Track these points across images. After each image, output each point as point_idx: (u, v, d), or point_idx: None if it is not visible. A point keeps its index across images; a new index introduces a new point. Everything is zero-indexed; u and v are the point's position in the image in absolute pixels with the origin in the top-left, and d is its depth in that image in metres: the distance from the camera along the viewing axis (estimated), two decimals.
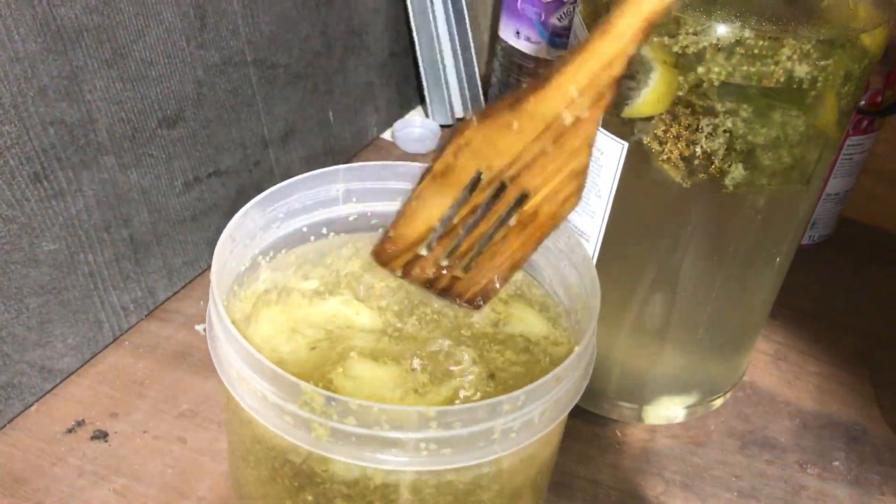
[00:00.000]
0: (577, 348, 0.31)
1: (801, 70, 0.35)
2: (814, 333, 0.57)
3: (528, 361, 0.35)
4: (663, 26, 0.36)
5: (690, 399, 0.48)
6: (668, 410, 0.48)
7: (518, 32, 0.68)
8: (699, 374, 0.48)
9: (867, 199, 0.70)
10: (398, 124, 0.73)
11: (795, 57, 0.35)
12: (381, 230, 0.39)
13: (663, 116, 0.38)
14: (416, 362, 0.34)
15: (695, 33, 0.35)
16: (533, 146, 0.30)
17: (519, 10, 0.67)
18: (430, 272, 0.33)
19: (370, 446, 0.29)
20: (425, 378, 0.33)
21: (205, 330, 0.46)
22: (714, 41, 0.35)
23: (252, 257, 0.37)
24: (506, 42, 0.70)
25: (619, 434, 0.48)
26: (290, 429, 0.29)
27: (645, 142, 0.39)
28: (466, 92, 0.73)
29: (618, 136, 0.39)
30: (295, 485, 0.32)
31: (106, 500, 0.42)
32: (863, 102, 0.57)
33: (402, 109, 0.76)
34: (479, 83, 0.74)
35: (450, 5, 0.70)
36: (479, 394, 0.33)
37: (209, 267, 0.44)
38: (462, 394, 0.33)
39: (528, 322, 0.37)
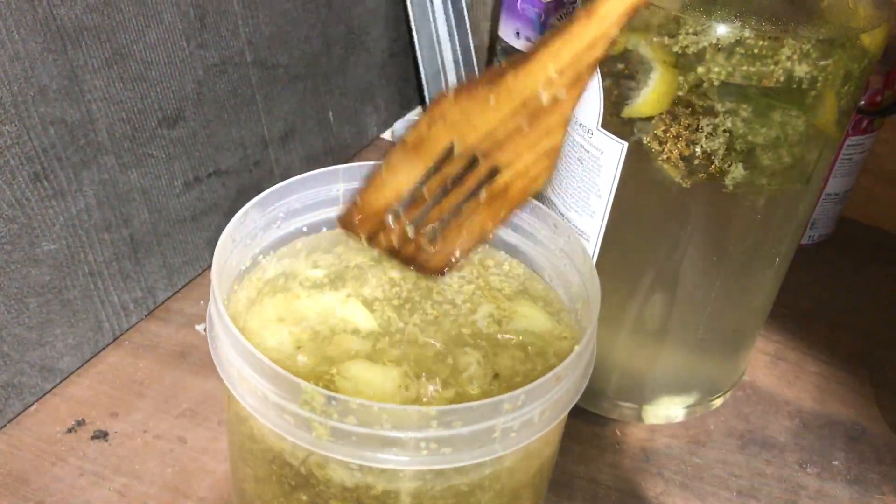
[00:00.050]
0: (577, 347, 0.31)
1: (801, 70, 0.35)
2: (813, 333, 0.57)
3: (532, 358, 0.35)
4: (663, 26, 0.36)
5: (690, 399, 0.48)
6: (667, 410, 0.48)
7: (518, 32, 0.68)
8: (699, 373, 0.48)
9: (867, 199, 0.70)
10: (398, 124, 0.73)
11: (795, 57, 0.35)
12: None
13: (663, 116, 0.38)
14: (423, 377, 0.33)
15: (695, 33, 0.35)
16: (508, 122, 0.30)
17: (519, 11, 0.67)
18: (395, 241, 0.33)
19: (370, 446, 0.29)
20: (431, 388, 0.33)
21: (205, 330, 0.46)
22: (714, 41, 0.35)
23: (252, 257, 0.37)
24: (506, 42, 0.70)
25: (618, 434, 0.48)
26: (291, 428, 0.29)
27: (645, 142, 0.39)
28: None
29: (618, 135, 0.39)
30: (294, 484, 0.32)
31: (106, 500, 0.42)
32: (862, 102, 0.57)
33: (402, 109, 0.76)
34: None
35: (450, 5, 0.70)
36: (484, 395, 0.33)
37: (209, 267, 0.44)
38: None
39: (533, 318, 0.37)
